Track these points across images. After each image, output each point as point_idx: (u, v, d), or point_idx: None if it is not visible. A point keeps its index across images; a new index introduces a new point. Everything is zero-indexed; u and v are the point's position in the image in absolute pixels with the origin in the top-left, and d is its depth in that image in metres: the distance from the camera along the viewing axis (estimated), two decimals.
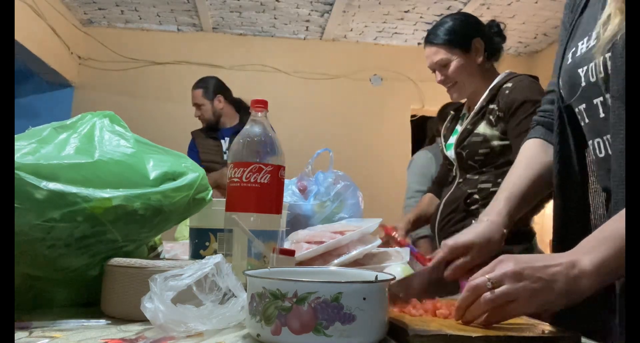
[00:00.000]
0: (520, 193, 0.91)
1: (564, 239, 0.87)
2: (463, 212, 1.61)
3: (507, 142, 1.57)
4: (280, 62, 4.49)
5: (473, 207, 1.60)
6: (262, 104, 0.89)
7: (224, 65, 4.40)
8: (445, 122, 1.86)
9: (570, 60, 0.84)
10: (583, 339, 0.65)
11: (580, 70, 0.81)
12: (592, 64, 0.78)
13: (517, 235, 1.54)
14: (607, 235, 0.63)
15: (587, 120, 0.82)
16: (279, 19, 4.24)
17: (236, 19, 4.27)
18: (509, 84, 1.59)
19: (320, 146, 1.78)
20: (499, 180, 1.54)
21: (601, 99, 0.78)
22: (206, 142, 3.01)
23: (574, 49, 0.84)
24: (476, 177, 1.63)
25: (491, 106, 1.61)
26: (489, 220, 0.87)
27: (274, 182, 0.85)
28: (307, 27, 4.39)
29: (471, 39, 1.66)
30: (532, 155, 0.96)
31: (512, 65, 4.73)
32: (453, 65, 1.66)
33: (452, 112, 1.86)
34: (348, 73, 4.54)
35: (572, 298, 0.63)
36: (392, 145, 4.56)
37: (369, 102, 4.53)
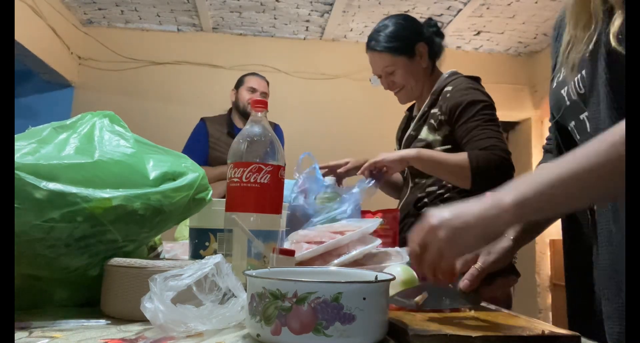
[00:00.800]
0: None
1: (572, 254, 0.92)
2: (414, 216, 1.60)
3: (448, 147, 1.56)
4: (280, 62, 4.48)
5: (423, 211, 1.61)
6: (262, 104, 0.89)
7: (224, 66, 4.40)
8: (399, 124, 1.85)
9: (555, 84, 0.92)
10: (583, 339, 0.65)
11: (562, 91, 0.88)
12: (570, 84, 0.85)
13: None
14: (531, 179, 0.68)
15: (578, 137, 0.87)
16: (279, 19, 4.24)
17: (236, 19, 4.27)
18: (449, 87, 1.58)
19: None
20: (444, 182, 1.57)
21: (586, 113, 0.83)
22: (223, 136, 2.88)
23: (559, 75, 0.91)
24: (424, 180, 1.63)
25: (433, 110, 1.60)
26: None
27: (274, 182, 0.85)
28: (307, 27, 4.39)
29: (414, 44, 1.64)
30: None
31: (512, 65, 4.76)
32: (399, 72, 1.65)
33: (406, 113, 1.85)
34: (348, 73, 4.53)
35: (489, 239, 0.69)
36: (392, 146, 4.53)
37: (369, 102, 4.52)
